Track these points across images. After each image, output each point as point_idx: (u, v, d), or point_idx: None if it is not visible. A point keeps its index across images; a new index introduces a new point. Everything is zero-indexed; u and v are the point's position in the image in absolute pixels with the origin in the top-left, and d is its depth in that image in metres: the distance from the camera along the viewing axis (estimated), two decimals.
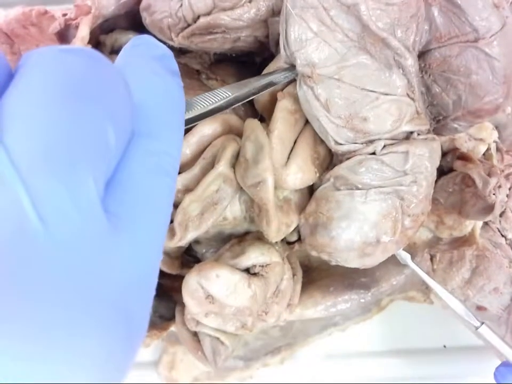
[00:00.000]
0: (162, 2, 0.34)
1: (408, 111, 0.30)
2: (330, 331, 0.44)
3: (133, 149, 0.19)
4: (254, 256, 0.34)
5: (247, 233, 0.37)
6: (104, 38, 0.39)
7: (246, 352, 0.44)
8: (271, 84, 0.30)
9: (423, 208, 0.31)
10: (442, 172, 0.40)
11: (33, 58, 0.18)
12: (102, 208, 0.17)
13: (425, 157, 0.30)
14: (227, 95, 0.27)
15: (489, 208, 0.35)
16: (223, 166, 0.31)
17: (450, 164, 0.40)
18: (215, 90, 0.27)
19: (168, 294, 0.42)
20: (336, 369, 0.45)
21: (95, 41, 0.40)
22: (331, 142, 0.31)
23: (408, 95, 0.30)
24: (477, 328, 0.36)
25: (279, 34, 0.31)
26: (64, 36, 0.40)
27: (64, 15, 0.39)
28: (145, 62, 0.21)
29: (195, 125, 0.31)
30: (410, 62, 0.29)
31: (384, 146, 0.30)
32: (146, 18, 0.35)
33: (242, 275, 0.33)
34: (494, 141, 0.40)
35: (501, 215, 0.42)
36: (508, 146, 0.41)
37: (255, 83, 0.29)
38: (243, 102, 0.29)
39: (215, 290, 0.33)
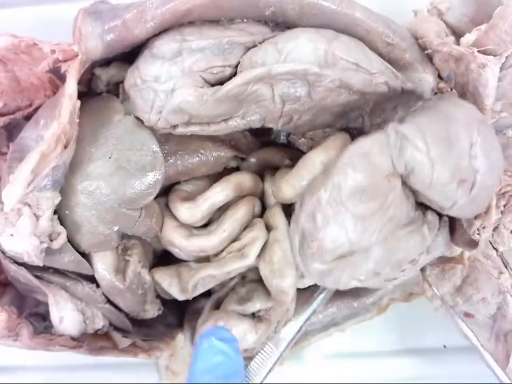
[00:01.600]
0: (143, 104, 0.34)
1: (425, 230, 0.35)
2: (330, 331, 0.45)
3: None
4: (259, 304, 0.37)
5: None
6: (100, 72, 0.38)
7: None
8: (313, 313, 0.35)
9: None
10: None
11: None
12: None
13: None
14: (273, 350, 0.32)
15: (474, 245, 0.37)
16: (250, 262, 0.35)
17: None
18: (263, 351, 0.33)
19: (175, 301, 0.44)
20: (336, 369, 0.45)
21: (90, 74, 0.39)
22: None
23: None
24: None
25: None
26: (56, 70, 0.39)
27: (53, 51, 0.38)
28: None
29: None
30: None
31: None
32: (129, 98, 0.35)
33: (250, 323, 0.36)
34: None
35: (494, 230, 0.43)
36: (506, 167, 0.41)
37: (303, 320, 0.34)
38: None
39: None
